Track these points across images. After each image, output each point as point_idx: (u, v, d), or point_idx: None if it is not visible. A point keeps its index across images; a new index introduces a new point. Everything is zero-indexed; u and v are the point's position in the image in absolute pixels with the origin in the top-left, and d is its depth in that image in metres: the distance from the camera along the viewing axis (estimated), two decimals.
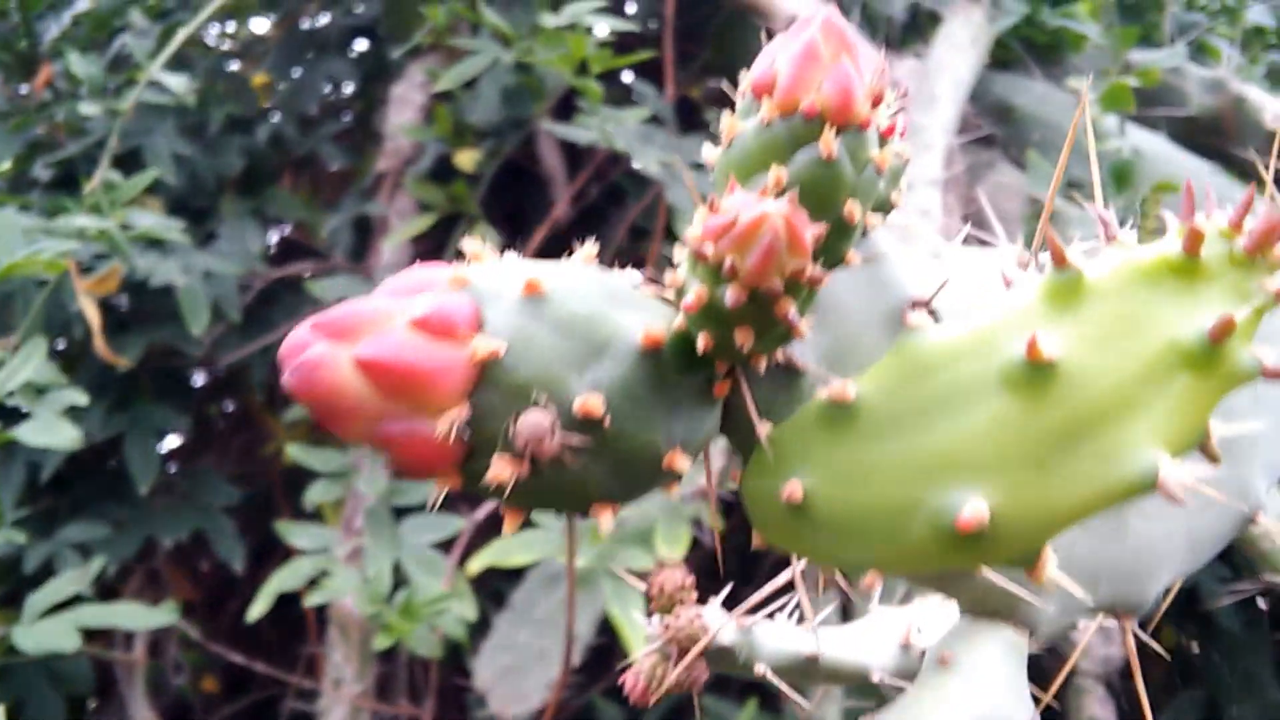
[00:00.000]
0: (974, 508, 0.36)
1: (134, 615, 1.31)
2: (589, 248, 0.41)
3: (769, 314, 0.36)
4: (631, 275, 0.42)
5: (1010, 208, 1.58)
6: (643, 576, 0.75)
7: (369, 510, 1.60)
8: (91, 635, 1.39)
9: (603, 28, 1.62)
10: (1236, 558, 1.19)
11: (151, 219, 1.43)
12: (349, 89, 2.11)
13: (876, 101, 0.40)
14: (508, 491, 0.37)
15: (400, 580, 1.55)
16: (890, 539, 0.38)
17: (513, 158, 1.91)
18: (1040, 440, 0.36)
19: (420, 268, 0.39)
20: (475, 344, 0.36)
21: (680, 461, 0.40)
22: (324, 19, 2.13)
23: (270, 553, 2.06)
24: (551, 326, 0.37)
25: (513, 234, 1.91)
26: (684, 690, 0.67)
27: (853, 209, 0.39)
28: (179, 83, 1.47)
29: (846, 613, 1.23)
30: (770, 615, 0.72)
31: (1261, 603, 1.63)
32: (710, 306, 0.37)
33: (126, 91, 1.51)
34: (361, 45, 2.16)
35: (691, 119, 1.98)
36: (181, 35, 1.50)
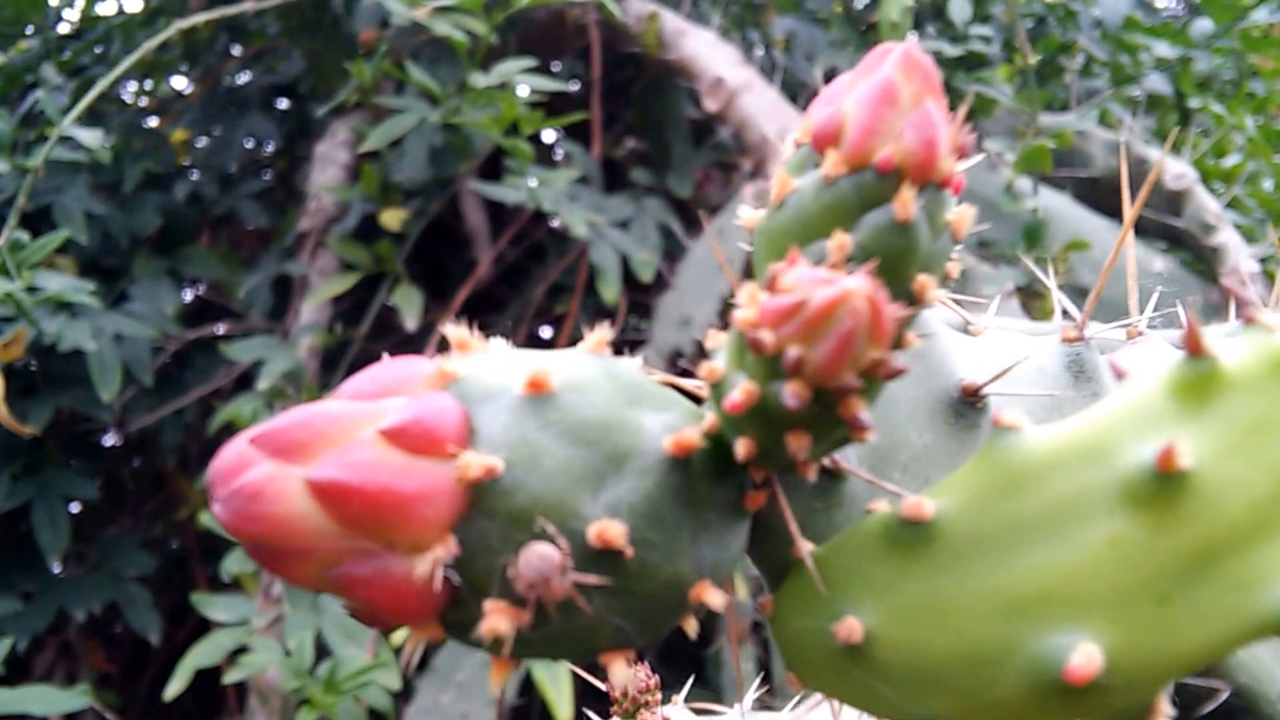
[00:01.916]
0: (1086, 653, 0.27)
1: (47, 699, 1.17)
2: (600, 333, 0.31)
3: (834, 415, 0.28)
4: (635, 363, 0.33)
5: None
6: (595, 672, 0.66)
7: None
8: None
9: (524, 89, 1.54)
10: None
11: (61, 281, 1.30)
12: (270, 147, 1.99)
13: (961, 155, 0.32)
14: (509, 644, 0.27)
15: (322, 650, 1.43)
16: (977, 691, 0.29)
17: (435, 216, 1.81)
18: (1165, 570, 0.27)
19: (392, 361, 0.29)
20: (465, 460, 0.27)
21: (709, 595, 0.30)
22: (245, 77, 2.02)
23: (186, 618, 1.91)
24: (560, 435, 0.28)
25: (434, 293, 1.81)
26: None
27: (925, 283, 0.31)
28: (93, 138, 1.34)
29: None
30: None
31: None
32: (762, 407, 0.28)
33: (37, 149, 1.38)
34: (283, 103, 2.05)
35: (615, 179, 1.91)
36: (97, 89, 1.37)
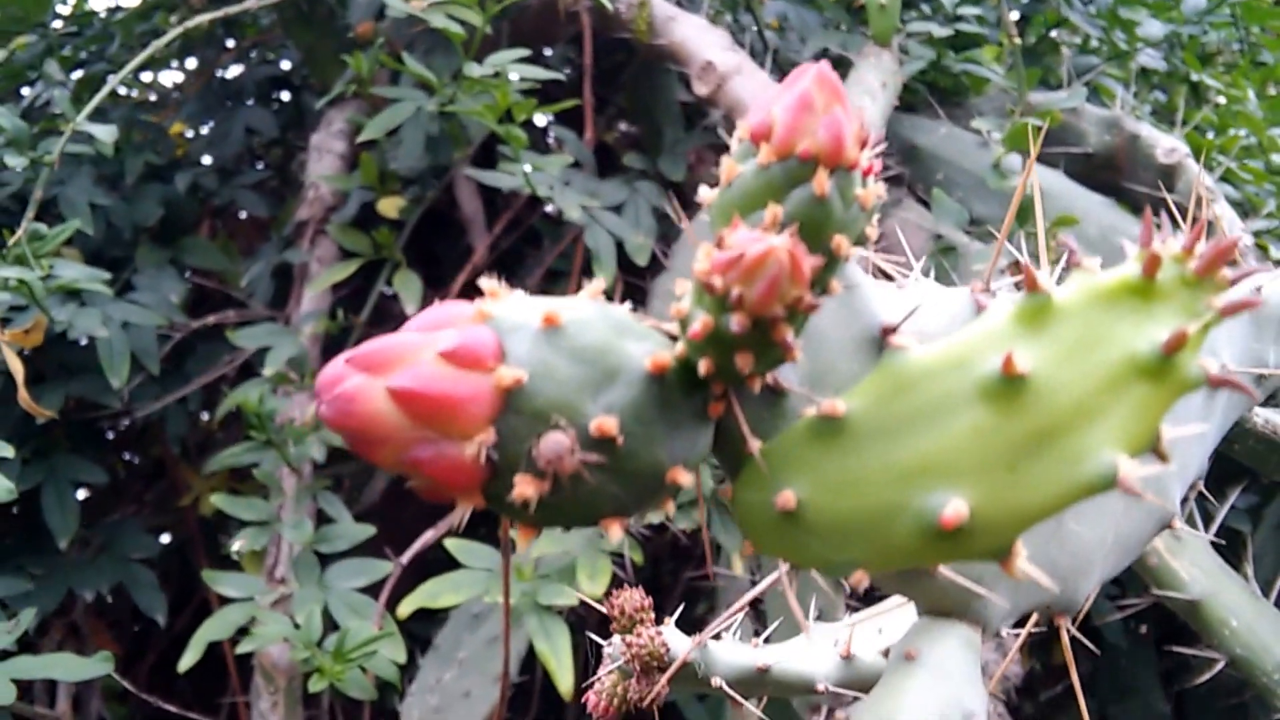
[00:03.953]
0: (955, 507, 0.39)
1: (69, 666, 1.28)
2: (596, 284, 0.44)
3: (769, 339, 0.40)
4: (625, 307, 0.45)
5: (916, 243, 1.65)
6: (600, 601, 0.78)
7: (296, 557, 1.59)
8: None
9: (516, 76, 1.65)
10: (1124, 574, 1.26)
11: (75, 269, 1.42)
12: (268, 137, 2.11)
13: (863, 145, 0.44)
14: (532, 508, 0.40)
15: (330, 625, 1.55)
16: (878, 539, 0.41)
17: (431, 205, 1.93)
18: (1013, 446, 0.40)
19: (444, 305, 0.42)
20: (500, 373, 0.39)
21: (682, 476, 0.43)
22: (241, 68, 2.14)
23: (185, 604, 2.03)
24: (568, 356, 0.41)
25: (431, 280, 1.93)
26: (646, 706, 0.71)
27: (840, 242, 0.43)
28: (106, 132, 1.46)
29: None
30: (717, 635, 0.76)
31: (1143, 628, 1.72)
32: (715, 333, 0.40)
33: (47, 142, 1.50)
34: (281, 94, 2.17)
35: (608, 163, 2.03)
36: (108, 86, 1.49)
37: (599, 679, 0.73)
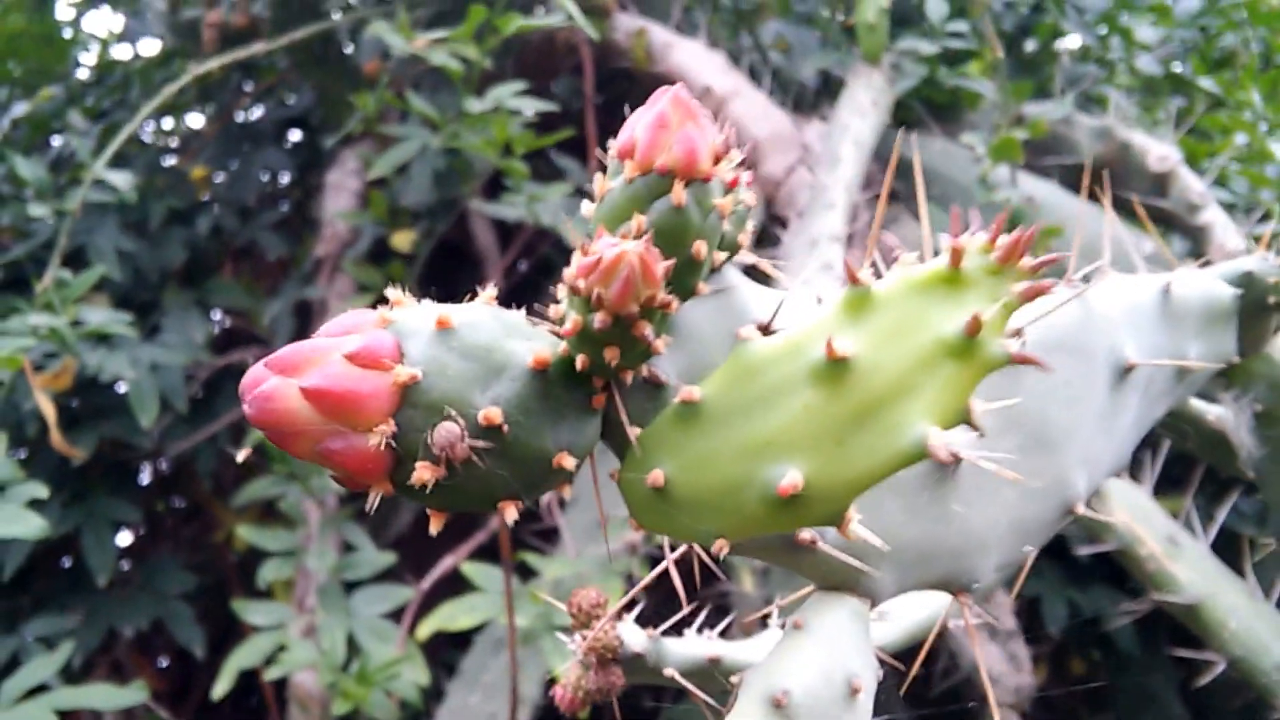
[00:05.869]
0: (790, 477, 0.46)
1: (105, 696, 1.38)
2: (490, 291, 0.52)
3: (630, 335, 0.47)
4: (521, 313, 0.53)
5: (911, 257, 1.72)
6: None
7: (321, 586, 1.69)
8: None
9: (523, 105, 1.74)
10: (1134, 583, 1.31)
11: (102, 315, 1.53)
12: (285, 178, 2.23)
13: (718, 159, 0.51)
14: (429, 490, 0.47)
15: (354, 650, 1.63)
16: (731, 509, 0.49)
17: (446, 236, 2.03)
18: (840, 422, 0.47)
19: (351, 312, 0.50)
20: (397, 371, 0.47)
21: (567, 461, 0.50)
22: (258, 111, 2.26)
23: (226, 640, 2.13)
24: (458, 354, 0.48)
25: None
26: (605, 695, 0.78)
27: (699, 247, 0.51)
28: (123, 180, 1.57)
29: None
30: (679, 631, 0.84)
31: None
32: (584, 331, 0.48)
33: (71, 191, 1.61)
34: (295, 135, 2.28)
35: None
36: (124, 133, 1.61)
37: (564, 674, 0.81)
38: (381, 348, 0.47)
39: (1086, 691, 1.78)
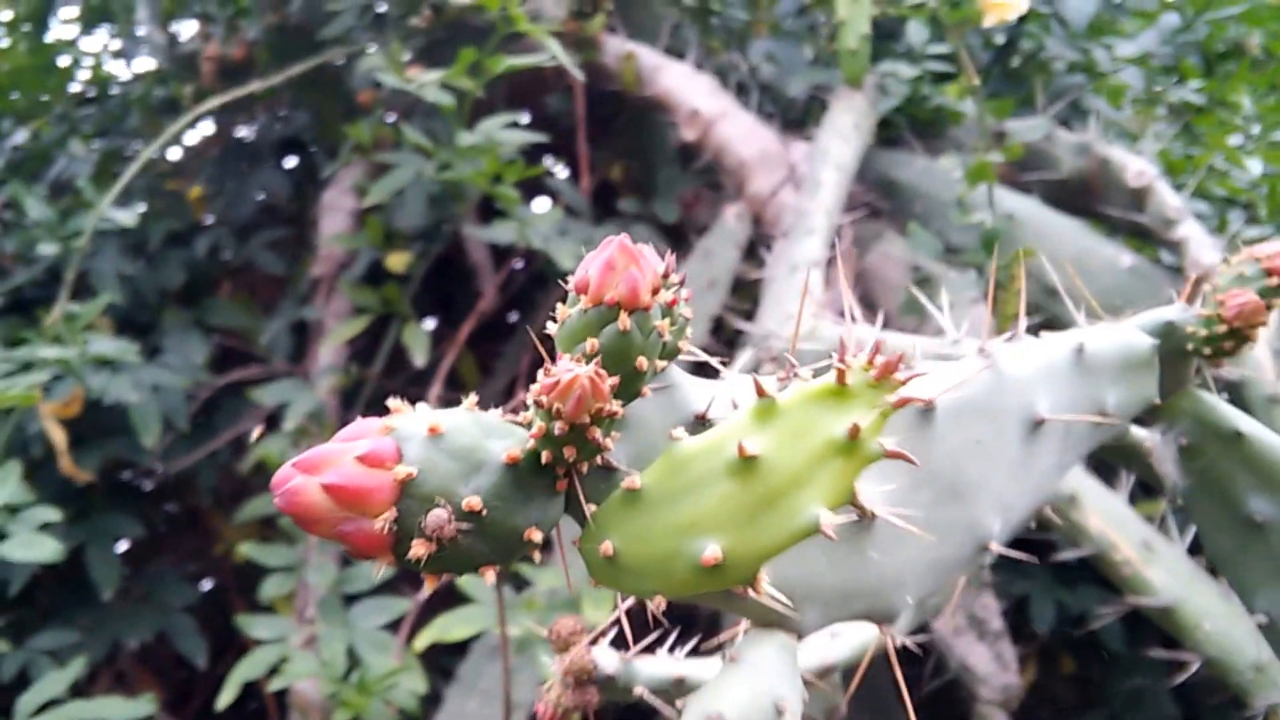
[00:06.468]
0: (712, 550, 0.62)
1: (116, 709, 1.54)
2: (473, 397, 0.67)
3: (585, 438, 0.63)
4: (497, 413, 0.69)
5: (895, 275, 1.87)
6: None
7: (321, 600, 1.85)
8: None
9: (514, 129, 1.89)
10: (1113, 584, 1.45)
11: (108, 344, 1.68)
12: (283, 197, 2.37)
13: (655, 291, 0.67)
14: (424, 562, 0.63)
15: (354, 661, 1.79)
16: (665, 574, 0.64)
17: (441, 252, 2.18)
18: (751, 506, 0.62)
19: (359, 421, 0.65)
20: (397, 470, 0.62)
21: (535, 535, 0.66)
22: (254, 129, 2.41)
23: (226, 650, 2.29)
24: (446, 455, 0.63)
25: (445, 324, 2.17)
26: (582, 711, 0.94)
27: (641, 362, 0.66)
28: (128, 217, 1.73)
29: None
30: (652, 652, 0.99)
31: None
32: (547, 434, 0.63)
33: (75, 221, 1.77)
34: (292, 156, 2.43)
35: (605, 207, 2.26)
36: (129, 172, 1.76)
37: (546, 691, 0.96)
38: (384, 451, 0.63)
39: (1079, 690, 1.92)
